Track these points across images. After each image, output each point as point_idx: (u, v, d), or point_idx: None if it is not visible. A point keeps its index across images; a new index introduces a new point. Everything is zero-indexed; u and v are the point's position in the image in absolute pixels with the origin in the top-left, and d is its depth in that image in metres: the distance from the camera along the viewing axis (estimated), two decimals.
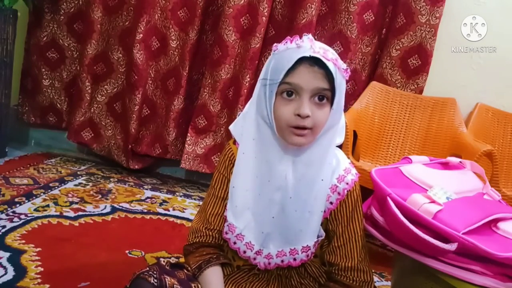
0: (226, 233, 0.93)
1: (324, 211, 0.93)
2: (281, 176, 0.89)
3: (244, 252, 0.93)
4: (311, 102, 0.84)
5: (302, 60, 0.83)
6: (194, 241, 0.97)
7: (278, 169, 0.89)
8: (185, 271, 0.94)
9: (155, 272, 0.84)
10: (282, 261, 0.93)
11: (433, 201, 0.88)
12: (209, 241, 0.96)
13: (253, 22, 2.08)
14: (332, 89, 0.85)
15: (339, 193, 0.93)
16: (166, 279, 0.84)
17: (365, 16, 2.08)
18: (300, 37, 0.86)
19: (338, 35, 2.08)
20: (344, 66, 0.87)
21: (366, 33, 2.10)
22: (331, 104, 0.86)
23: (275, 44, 0.90)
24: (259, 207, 0.91)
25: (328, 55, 0.84)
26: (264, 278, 0.97)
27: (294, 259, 0.92)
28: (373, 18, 2.09)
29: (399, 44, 2.04)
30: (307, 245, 0.92)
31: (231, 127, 0.99)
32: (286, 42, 0.87)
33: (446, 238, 0.82)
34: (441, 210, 0.86)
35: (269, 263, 0.93)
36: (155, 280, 0.83)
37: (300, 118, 0.83)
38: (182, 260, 1.41)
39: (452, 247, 0.81)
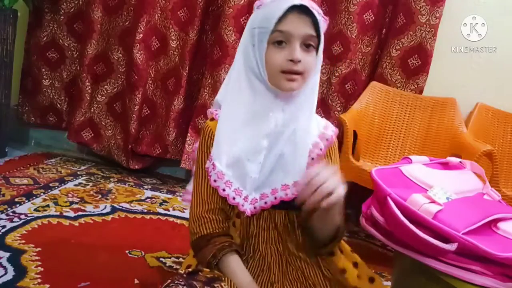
0: (215, 180, 0.94)
1: (313, 159, 0.96)
2: (270, 124, 0.93)
3: (233, 198, 0.94)
4: (301, 49, 0.89)
5: (291, 9, 0.87)
6: (202, 232, 0.95)
7: (268, 117, 0.93)
8: (201, 278, 0.93)
9: (181, 281, 0.84)
10: (266, 202, 0.95)
11: (433, 201, 0.88)
12: (217, 230, 0.95)
13: None
14: (318, 36, 0.90)
15: (327, 139, 0.98)
16: (194, 283, 0.85)
17: (365, 16, 2.08)
18: None
19: (338, 35, 2.08)
20: (322, 14, 0.93)
21: (366, 33, 2.10)
22: (316, 50, 0.92)
23: (257, 1, 0.94)
24: (248, 154, 0.93)
25: (313, 5, 0.90)
26: (265, 265, 0.98)
27: (275, 198, 0.95)
28: (373, 18, 2.09)
29: (399, 44, 2.04)
30: (286, 184, 0.94)
31: (216, 98, 1.02)
32: None
33: (446, 238, 0.82)
34: (441, 210, 0.86)
35: (255, 207, 0.95)
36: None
37: (292, 63, 0.88)
38: (182, 260, 1.42)
39: (452, 247, 0.81)
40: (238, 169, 0.94)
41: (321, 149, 0.98)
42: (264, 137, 0.93)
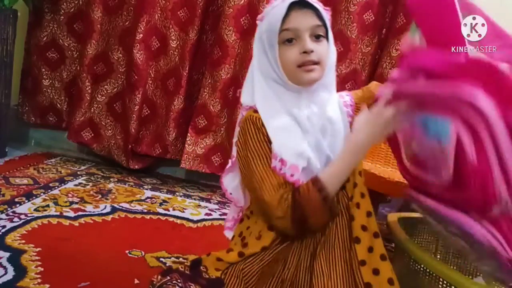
0: (292, 175, 0.90)
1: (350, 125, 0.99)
2: (304, 122, 0.94)
3: None
4: (311, 40, 0.92)
5: (292, 7, 0.91)
6: (289, 200, 0.88)
7: (298, 116, 0.94)
8: (204, 274, 0.92)
9: (179, 281, 0.83)
10: None
11: None
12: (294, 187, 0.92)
13: (253, 22, 2.07)
14: (324, 25, 0.94)
15: (350, 105, 1.04)
16: (191, 286, 0.84)
17: (365, 16, 2.08)
18: None
19: (338, 35, 2.08)
20: (322, 6, 0.96)
21: (366, 33, 2.10)
22: (327, 39, 0.95)
23: (259, 15, 0.98)
24: (306, 148, 0.93)
25: None
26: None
27: None
28: (373, 18, 2.09)
29: (399, 44, 2.04)
30: None
31: (249, 100, 0.98)
32: (270, 3, 0.96)
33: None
34: None
35: None
36: None
37: (306, 54, 0.91)
38: (182, 260, 1.42)
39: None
40: (310, 159, 0.93)
41: (351, 116, 1.02)
42: (305, 135, 0.94)
